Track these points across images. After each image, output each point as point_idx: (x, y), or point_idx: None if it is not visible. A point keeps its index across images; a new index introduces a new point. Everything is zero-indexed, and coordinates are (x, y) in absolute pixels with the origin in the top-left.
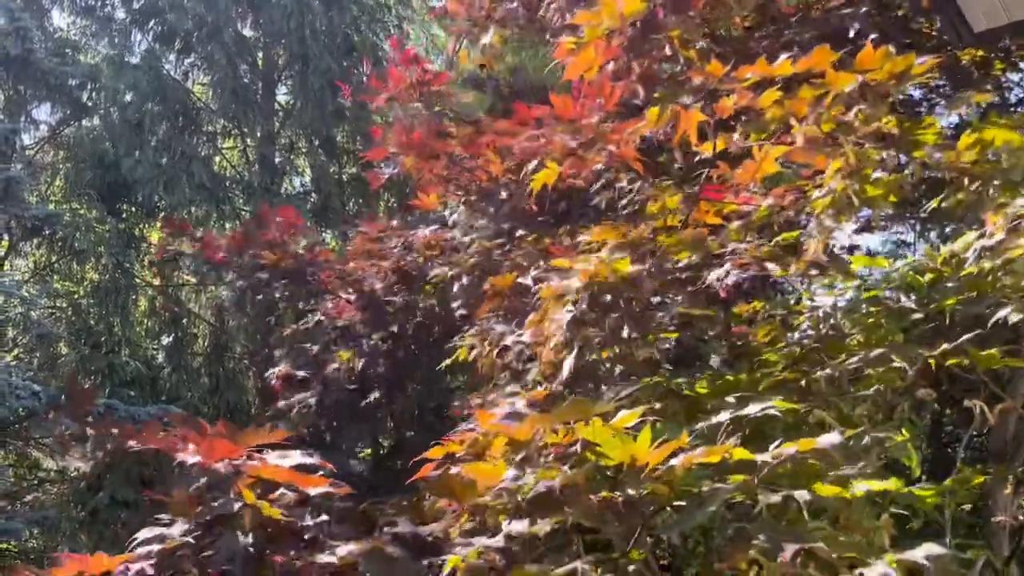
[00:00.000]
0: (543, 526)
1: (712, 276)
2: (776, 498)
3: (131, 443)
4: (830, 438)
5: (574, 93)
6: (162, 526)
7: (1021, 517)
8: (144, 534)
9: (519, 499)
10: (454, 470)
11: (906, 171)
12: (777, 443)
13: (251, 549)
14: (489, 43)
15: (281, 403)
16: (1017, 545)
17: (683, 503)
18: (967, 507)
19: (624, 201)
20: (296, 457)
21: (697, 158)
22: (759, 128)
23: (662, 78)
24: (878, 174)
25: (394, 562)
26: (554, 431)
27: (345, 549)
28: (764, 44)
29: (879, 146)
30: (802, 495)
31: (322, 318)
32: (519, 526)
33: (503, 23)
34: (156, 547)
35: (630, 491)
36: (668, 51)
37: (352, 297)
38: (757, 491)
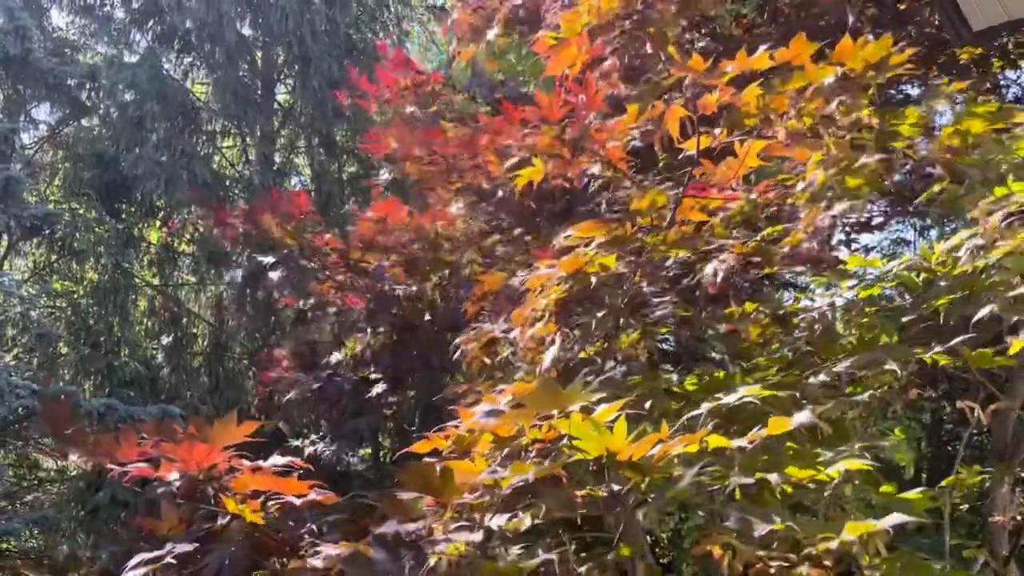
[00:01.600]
0: (523, 520)
1: (706, 270)
2: (748, 480)
3: (109, 465)
4: (802, 417)
5: (557, 91)
6: (153, 548)
7: (1020, 517)
8: (135, 560)
9: (498, 494)
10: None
11: (890, 163)
12: (755, 429)
13: (239, 561)
14: (492, 44)
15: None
16: (1016, 544)
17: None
18: (967, 506)
19: (617, 201)
20: (276, 458)
21: (681, 155)
22: (741, 123)
23: (644, 75)
24: (861, 162)
25: (374, 564)
26: (537, 427)
27: (331, 552)
28: (761, 41)
29: (859, 138)
30: (773, 476)
31: (330, 309)
32: (499, 521)
33: (507, 24)
34: (145, 569)
35: (613, 485)
36: (649, 48)
37: (358, 283)
38: (730, 473)
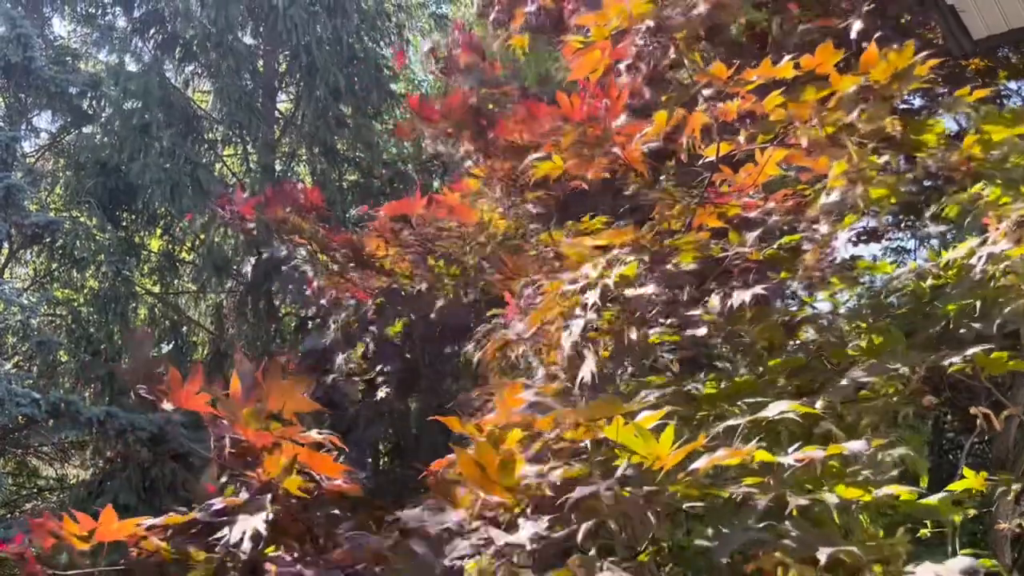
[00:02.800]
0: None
1: (733, 298)
2: (804, 501)
3: (166, 405)
4: (857, 444)
5: (581, 94)
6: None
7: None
8: (155, 520)
9: (540, 494)
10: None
11: (908, 174)
12: (795, 447)
13: (259, 536)
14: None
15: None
16: (1020, 553)
17: (698, 503)
18: (969, 515)
19: (629, 204)
20: (313, 435)
21: (700, 161)
22: (764, 130)
23: (668, 81)
24: (880, 175)
25: (417, 557)
26: (572, 428)
27: (372, 541)
28: (772, 52)
29: (882, 146)
30: (830, 498)
31: (341, 309)
32: (536, 526)
33: (523, 29)
34: (166, 522)
35: (645, 487)
36: (673, 54)
37: (368, 280)
38: (787, 496)
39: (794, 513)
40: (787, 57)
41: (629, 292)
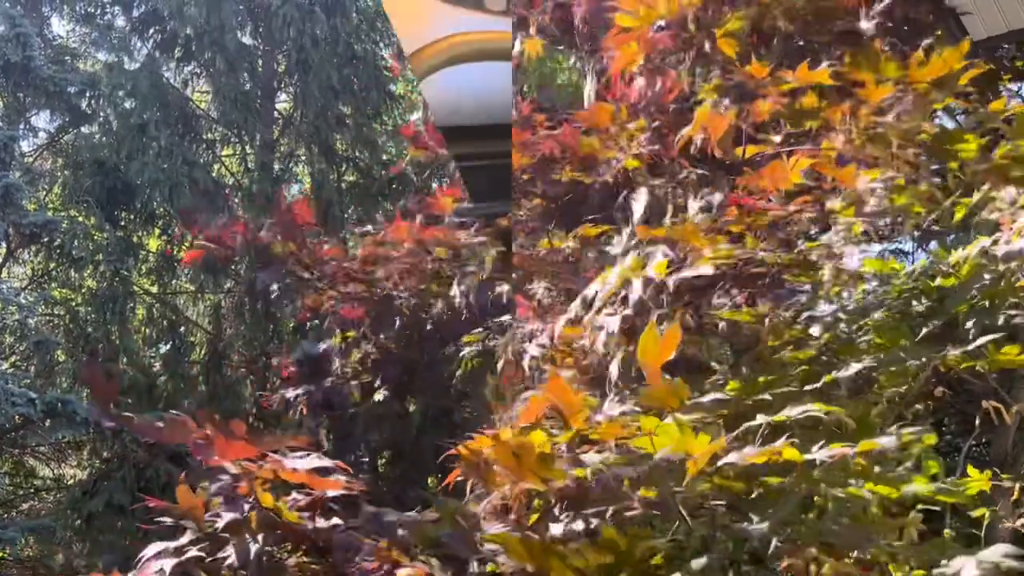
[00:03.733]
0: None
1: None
2: (840, 494)
3: (147, 438)
4: (888, 440)
5: (614, 88)
6: (166, 539)
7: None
8: (152, 549)
9: (569, 487)
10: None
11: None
12: (820, 444)
13: (261, 555)
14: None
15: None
16: None
17: (721, 501)
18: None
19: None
20: (313, 460)
21: (726, 161)
22: (799, 119)
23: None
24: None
25: (466, 531)
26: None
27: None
28: (768, 57)
29: (919, 150)
30: (865, 493)
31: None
32: (570, 522)
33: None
34: (168, 561)
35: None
36: (708, 48)
37: (361, 293)
38: (823, 489)
39: (829, 507)
40: (824, 63)
41: (670, 280)
